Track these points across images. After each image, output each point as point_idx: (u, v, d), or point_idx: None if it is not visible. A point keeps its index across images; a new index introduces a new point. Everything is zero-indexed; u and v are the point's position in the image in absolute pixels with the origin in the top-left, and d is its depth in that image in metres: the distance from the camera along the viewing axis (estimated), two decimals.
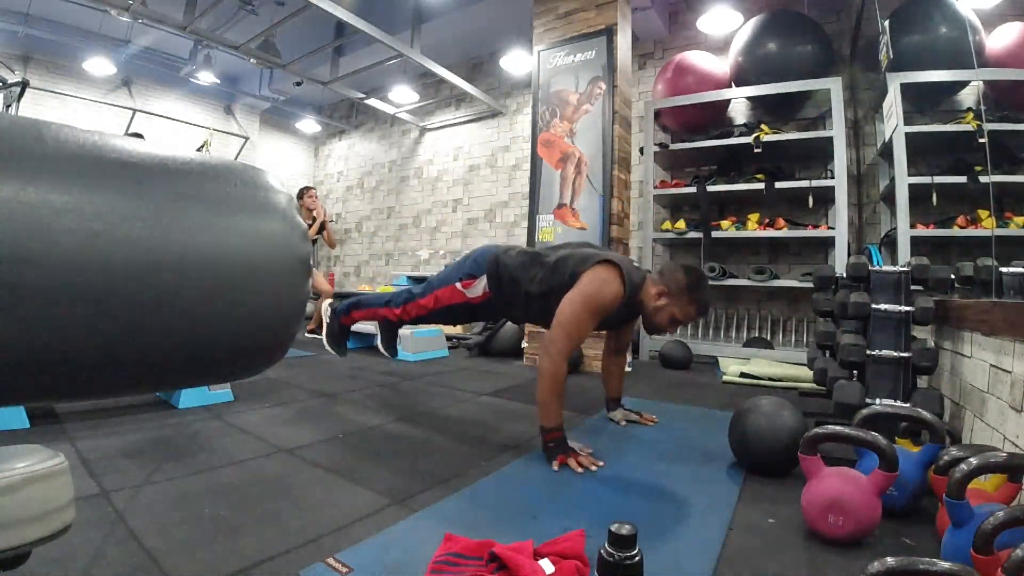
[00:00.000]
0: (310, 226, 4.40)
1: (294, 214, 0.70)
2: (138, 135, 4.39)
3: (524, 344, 3.68)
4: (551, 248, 1.86)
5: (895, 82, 2.88)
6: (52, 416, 1.81)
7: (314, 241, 4.53)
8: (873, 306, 1.77)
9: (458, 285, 1.92)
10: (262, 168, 0.73)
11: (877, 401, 1.72)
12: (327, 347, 2.36)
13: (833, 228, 3.31)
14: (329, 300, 2.42)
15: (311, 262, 0.74)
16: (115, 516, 1.10)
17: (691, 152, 3.90)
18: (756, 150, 3.50)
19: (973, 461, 0.89)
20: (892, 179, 3.05)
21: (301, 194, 4.56)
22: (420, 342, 3.56)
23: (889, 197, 3.20)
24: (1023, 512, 0.77)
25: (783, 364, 3.15)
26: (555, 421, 1.55)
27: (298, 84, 5.51)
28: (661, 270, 1.71)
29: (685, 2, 4.37)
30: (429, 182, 6.09)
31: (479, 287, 1.88)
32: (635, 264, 1.80)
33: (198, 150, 3.30)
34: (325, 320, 2.37)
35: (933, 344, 1.76)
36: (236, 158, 5.90)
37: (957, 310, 1.68)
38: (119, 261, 0.52)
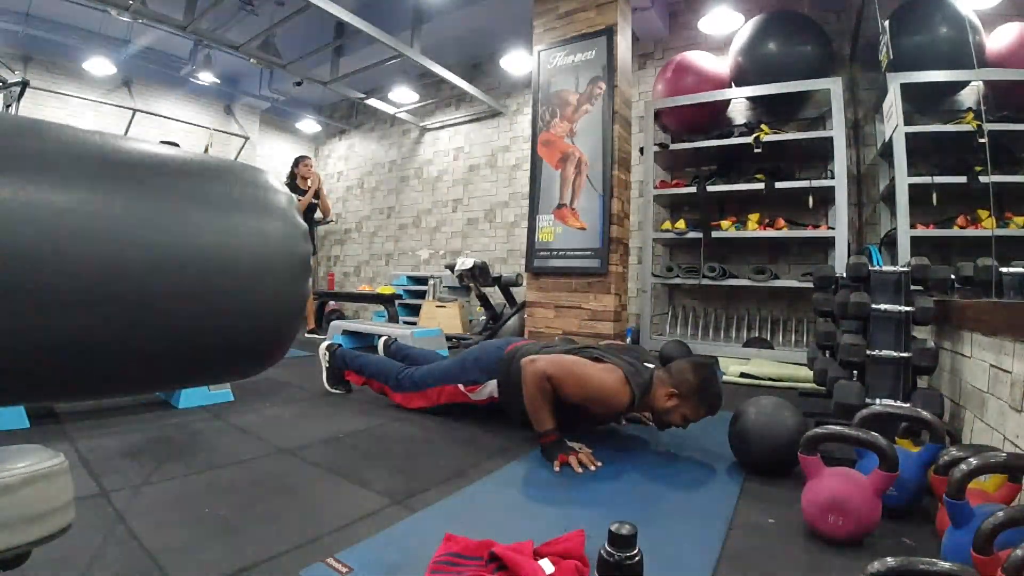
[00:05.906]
0: (304, 192, 4.50)
1: (294, 214, 0.70)
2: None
3: None
4: (567, 351, 1.76)
5: (895, 82, 2.88)
6: (52, 416, 1.81)
7: (311, 210, 4.62)
8: (873, 306, 1.77)
9: (461, 387, 1.94)
10: (262, 168, 0.73)
11: (877, 401, 1.72)
12: (329, 388, 2.37)
13: (833, 228, 3.31)
14: (326, 343, 2.43)
15: (312, 249, 0.74)
16: (115, 516, 1.10)
17: (691, 152, 3.90)
18: (756, 150, 3.50)
19: (973, 461, 0.89)
20: (892, 179, 3.05)
21: (297, 163, 4.66)
22: (420, 342, 3.56)
23: (889, 197, 3.20)
24: (1023, 512, 0.77)
25: (783, 364, 3.15)
26: (547, 425, 1.57)
27: (298, 84, 5.50)
28: (670, 368, 1.64)
29: (685, 2, 4.37)
30: (429, 182, 6.09)
31: (484, 392, 1.89)
32: (644, 363, 1.70)
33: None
34: (324, 364, 2.38)
35: (933, 344, 1.76)
36: (236, 158, 5.90)
37: (957, 310, 1.68)
38: (120, 261, 0.52)
